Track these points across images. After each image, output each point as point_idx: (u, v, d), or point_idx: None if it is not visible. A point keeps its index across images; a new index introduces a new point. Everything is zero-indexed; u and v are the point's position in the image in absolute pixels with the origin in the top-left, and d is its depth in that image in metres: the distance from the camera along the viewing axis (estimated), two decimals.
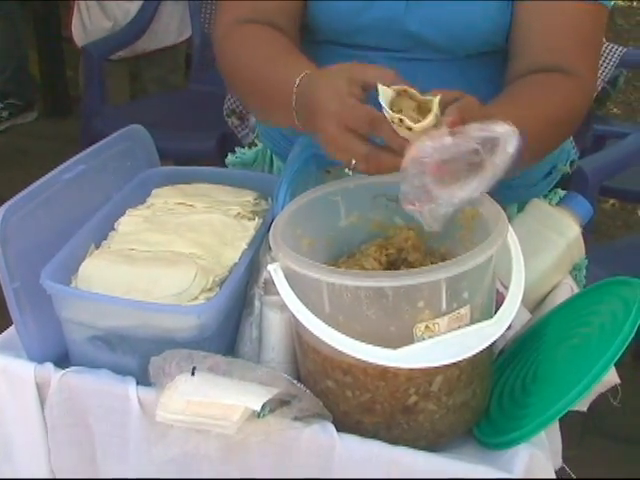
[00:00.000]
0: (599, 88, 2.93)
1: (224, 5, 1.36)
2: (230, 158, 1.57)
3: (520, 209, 1.35)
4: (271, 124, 1.42)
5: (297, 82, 1.13)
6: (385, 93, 1.03)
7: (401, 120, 1.00)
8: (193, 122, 3.15)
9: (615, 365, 1.04)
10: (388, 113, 1.01)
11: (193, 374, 1.04)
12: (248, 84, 1.28)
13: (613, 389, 1.16)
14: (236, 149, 1.58)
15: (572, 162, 1.52)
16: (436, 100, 1.01)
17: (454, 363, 1.01)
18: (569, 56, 1.24)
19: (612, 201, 3.48)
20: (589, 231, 1.37)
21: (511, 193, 1.10)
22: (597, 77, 1.29)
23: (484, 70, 1.32)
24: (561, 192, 1.46)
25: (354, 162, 1.05)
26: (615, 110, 4.14)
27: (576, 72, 1.24)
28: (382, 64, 1.26)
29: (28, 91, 4.21)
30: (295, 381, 1.06)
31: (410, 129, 1.00)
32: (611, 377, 1.13)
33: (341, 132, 1.05)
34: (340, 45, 1.34)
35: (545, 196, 1.44)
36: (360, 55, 1.28)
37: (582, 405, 1.14)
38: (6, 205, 1.12)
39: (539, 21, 1.25)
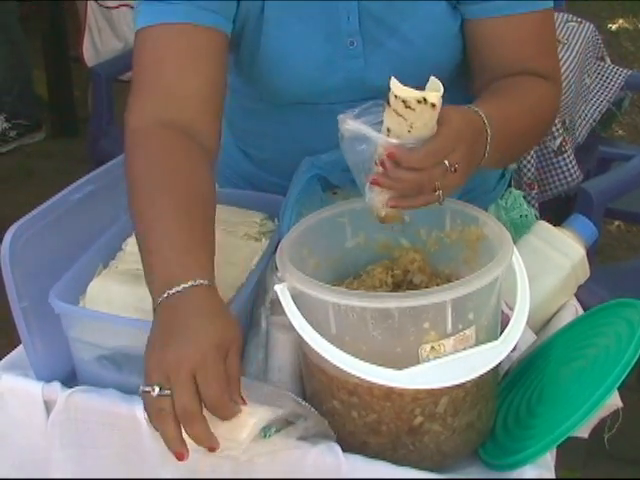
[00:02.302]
0: (604, 110, 2.95)
1: (135, 95, 1.22)
2: None
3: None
4: None
5: (170, 292, 1.01)
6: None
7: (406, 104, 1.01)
8: None
9: (620, 387, 1.05)
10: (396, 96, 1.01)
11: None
12: (139, 222, 1.11)
13: (615, 413, 1.16)
14: None
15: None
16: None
17: (459, 384, 1.01)
18: (533, 63, 1.30)
19: (617, 223, 3.48)
20: (594, 253, 1.37)
21: (472, 200, 1.17)
22: (562, 78, 1.39)
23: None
24: (515, 192, 1.49)
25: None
26: (620, 132, 4.15)
27: (544, 75, 1.30)
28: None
29: (36, 111, 4.23)
30: (301, 400, 1.06)
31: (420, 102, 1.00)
32: (614, 400, 1.13)
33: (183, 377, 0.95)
34: (295, 104, 1.35)
35: (502, 197, 1.47)
36: (326, 110, 1.29)
37: (583, 432, 1.14)
38: (16, 225, 1.13)
39: (498, 35, 1.29)
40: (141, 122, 1.20)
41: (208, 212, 1.13)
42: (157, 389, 0.95)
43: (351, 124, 1.05)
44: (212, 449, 0.95)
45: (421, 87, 1.03)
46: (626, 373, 1.02)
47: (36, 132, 4.23)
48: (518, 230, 1.41)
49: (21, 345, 1.18)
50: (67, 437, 1.14)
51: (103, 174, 1.31)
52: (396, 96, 1.01)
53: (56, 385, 1.15)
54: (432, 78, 1.03)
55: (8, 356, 1.22)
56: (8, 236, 1.11)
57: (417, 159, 1.03)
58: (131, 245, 1.26)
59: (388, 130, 1.03)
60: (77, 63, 3.96)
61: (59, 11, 4.08)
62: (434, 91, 1.02)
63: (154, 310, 1.02)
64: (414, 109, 1.01)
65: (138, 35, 1.24)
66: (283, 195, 1.32)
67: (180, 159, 1.16)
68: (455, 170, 1.05)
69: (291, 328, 1.05)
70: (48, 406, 1.15)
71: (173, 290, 1.00)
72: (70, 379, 1.18)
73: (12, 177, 3.87)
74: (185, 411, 0.94)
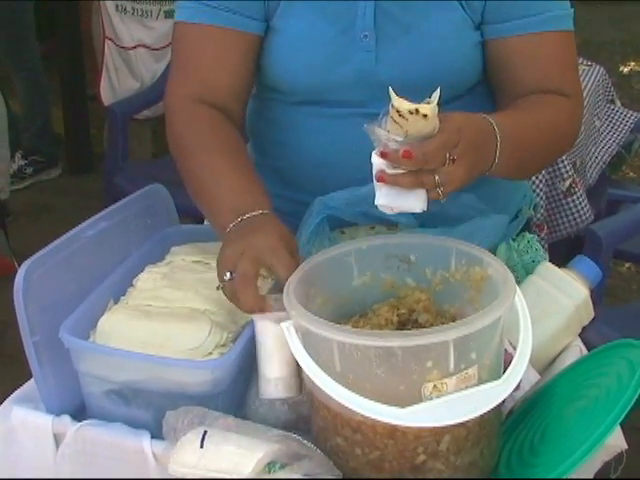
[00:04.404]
0: (614, 152, 2.97)
1: (175, 75, 1.41)
2: None
3: (492, 251, 1.37)
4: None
5: (233, 224, 1.20)
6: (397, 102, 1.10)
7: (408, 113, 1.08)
8: None
9: (621, 424, 1.05)
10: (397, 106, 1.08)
11: (202, 446, 1.05)
12: (192, 179, 1.32)
13: (619, 455, 1.16)
14: None
15: (535, 206, 1.58)
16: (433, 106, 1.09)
17: (461, 423, 1.02)
18: (557, 81, 1.36)
19: (628, 265, 3.49)
20: (601, 294, 1.38)
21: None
22: (583, 96, 1.45)
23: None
24: (529, 236, 1.50)
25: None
26: (631, 174, 4.16)
27: (566, 93, 1.35)
28: (349, 121, 1.35)
29: (52, 148, 4.29)
30: (305, 441, 1.07)
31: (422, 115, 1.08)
32: (617, 442, 1.13)
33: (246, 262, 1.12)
34: (306, 104, 1.39)
35: (514, 240, 1.48)
36: (337, 114, 1.36)
37: (586, 474, 1.14)
38: (29, 261, 1.16)
39: (522, 53, 1.34)
40: (180, 97, 1.38)
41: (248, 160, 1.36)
42: (228, 274, 1.12)
43: (367, 127, 1.12)
44: (262, 311, 1.10)
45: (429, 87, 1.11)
46: (625, 412, 1.03)
47: (52, 169, 4.29)
48: (530, 274, 1.41)
49: (32, 379, 1.20)
50: (76, 470, 1.15)
51: (115, 211, 1.34)
52: (392, 105, 1.08)
53: (66, 418, 1.17)
54: (436, 91, 1.09)
55: (19, 389, 1.24)
56: (22, 271, 1.14)
57: (422, 153, 1.08)
58: (141, 281, 1.28)
59: (389, 133, 1.11)
60: (94, 102, 4.02)
61: (78, 51, 4.16)
62: (430, 103, 1.08)
63: (223, 236, 1.20)
64: (407, 119, 1.08)
65: (178, 27, 1.40)
66: (286, 211, 1.33)
67: (223, 124, 1.35)
68: (453, 161, 1.10)
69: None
70: (57, 439, 1.17)
71: (246, 216, 1.19)
72: (79, 412, 1.19)
73: (28, 212, 3.92)
74: (244, 275, 1.10)
